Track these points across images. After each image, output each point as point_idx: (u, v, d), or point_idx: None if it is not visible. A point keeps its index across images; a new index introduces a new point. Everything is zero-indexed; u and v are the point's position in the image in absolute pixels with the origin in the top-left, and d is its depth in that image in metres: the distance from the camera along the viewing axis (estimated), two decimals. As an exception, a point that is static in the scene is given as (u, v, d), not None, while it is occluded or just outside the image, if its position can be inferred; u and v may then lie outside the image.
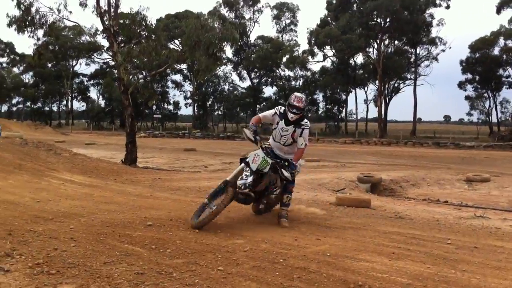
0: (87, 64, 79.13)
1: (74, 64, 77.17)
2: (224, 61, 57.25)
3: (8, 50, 78.06)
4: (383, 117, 58.89)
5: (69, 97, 79.20)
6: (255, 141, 6.23)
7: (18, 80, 77.86)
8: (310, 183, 12.34)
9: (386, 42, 60.23)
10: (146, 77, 21.82)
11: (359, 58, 63.95)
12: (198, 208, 6.18)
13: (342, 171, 16.42)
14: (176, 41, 57.15)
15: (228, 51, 63.30)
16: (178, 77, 73.39)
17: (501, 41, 56.95)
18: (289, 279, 4.12)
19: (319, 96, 69.43)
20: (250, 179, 5.96)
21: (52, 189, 9.04)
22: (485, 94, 61.54)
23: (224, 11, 65.87)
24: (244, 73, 70.96)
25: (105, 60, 74.62)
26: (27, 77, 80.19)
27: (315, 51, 61.97)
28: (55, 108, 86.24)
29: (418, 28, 56.54)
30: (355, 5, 59.39)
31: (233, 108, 74.29)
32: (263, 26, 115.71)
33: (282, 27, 68.97)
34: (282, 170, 6.19)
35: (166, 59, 19.39)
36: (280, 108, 6.60)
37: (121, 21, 19.01)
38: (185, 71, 68.97)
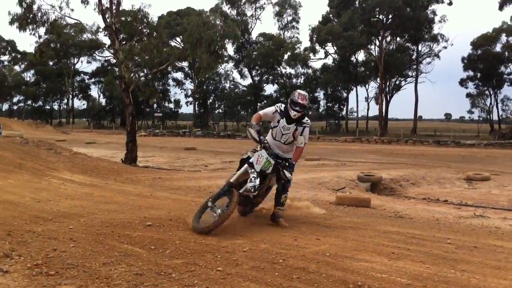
0: (88, 62, 79.16)
1: (75, 62, 77.44)
2: (225, 59, 57.22)
3: (9, 48, 78.33)
4: (384, 115, 58.83)
5: (70, 96, 79.43)
6: (260, 141, 6.13)
7: (19, 78, 78.00)
8: (310, 182, 12.34)
9: (388, 39, 60.29)
10: (147, 75, 21.77)
11: (361, 55, 64.09)
12: (199, 210, 6.01)
13: (342, 170, 16.42)
14: (178, 39, 57.19)
15: (230, 49, 63.19)
16: (179, 75, 73.50)
17: (503, 38, 57.03)
18: (289, 280, 4.12)
19: (320, 94, 69.47)
20: (258, 181, 5.91)
21: (52, 188, 9.05)
22: (486, 92, 61.55)
23: (225, 8, 65.98)
24: (245, 70, 70.99)
25: (107, 58, 74.74)
26: (28, 75, 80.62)
27: (317, 49, 62.08)
28: (56, 107, 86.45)
29: (420, 24, 56.51)
30: (357, 2, 59.29)
31: (234, 106, 74.30)
32: (264, 23, 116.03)
33: (283, 24, 69.09)
34: (284, 171, 6.15)
35: (167, 57, 19.39)
36: (281, 105, 6.47)
37: (123, 18, 18.99)
38: (186, 69, 69.01)
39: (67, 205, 7.29)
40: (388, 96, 61.69)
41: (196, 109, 72.59)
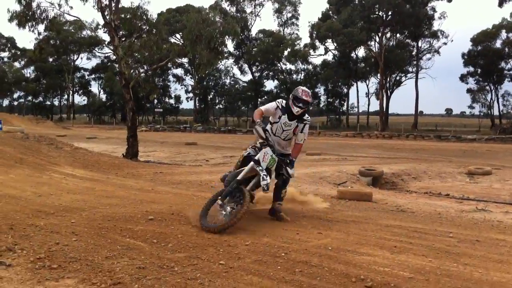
0: (88, 59, 79.15)
1: (75, 59, 77.38)
2: (225, 55, 57.13)
3: (9, 45, 78.28)
4: (384, 110, 58.76)
5: (70, 91, 79.41)
6: (266, 138, 6.09)
7: (19, 75, 78.09)
8: (312, 177, 12.33)
9: (388, 35, 60.10)
10: (147, 71, 21.77)
11: (361, 52, 63.98)
12: (205, 207, 5.86)
13: (343, 164, 16.41)
14: (177, 35, 57.11)
15: (230, 45, 63.14)
16: (179, 71, 73.44)
17: (503, 34, 56.85)
18: (291, 273, 4.12)
19: (321, 90, 69.38)
20: (269, 178, 5.88)
21: (53, 183, 9.05)
22: (487, 87, 61.48)
23: (225, 5, 65.59)
24: (246, 66, 70.87)
25: (106, 55, 74.75)
26: (28, 72, 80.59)
27: (317, 45, 61.85)
28: (56, 103, 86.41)
29: (420, 21, 56.35)
30: (356, -1, 59.18)
31: (234, 102, 74.28)
32: (264, 20, 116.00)
33: (283, 20, 68.84)
34: (287, 168, 6.17)
35: (167, 53, 19.34)
36: (282, 101, 6.43)
37: (122, 15, 19.01)
38: (186, 65, 68.91)
39: (68, 199, 7.29)
40: (388, 91, 61.63)
41: (197, 104, 72.61)
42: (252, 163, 6.03)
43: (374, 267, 4.36)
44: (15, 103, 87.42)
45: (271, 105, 6.44)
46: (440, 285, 3.99)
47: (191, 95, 73.28)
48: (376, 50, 58.79)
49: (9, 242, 4.54)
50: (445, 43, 58.74)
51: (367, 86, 66.33)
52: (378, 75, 58.82)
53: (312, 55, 64.19)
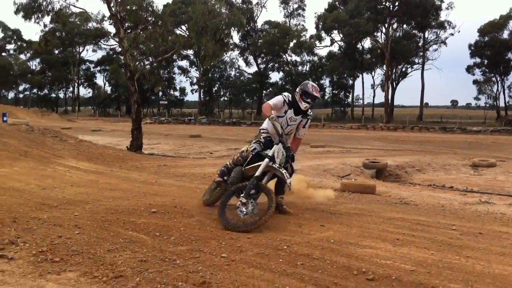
0: (93, 51, 79.38)
1: (80, 51, 77.45)
2: (231, 47, 57.04)
3: (15, 37, 78.34)
4: (390, 102, 58.61)
5: (76, 84, 79.56)
6: (281, 134, 6.05)
7: (25, 67, 78.25)
8: (315, 169, 12.32)
9: (395, 26, 59.91)
10: (152, 63, 21.78)
11: (367, 43, 63.86)
12: (223, 202, 5.66)
13: (347, 156, 16.38)
14: (183, 27, 56.89)
15: (235, 37, 63.13)
16: (184, 63, 73.38)
17: (511, 25, 56.61)
18: (293, 266, 4.12)
19: (326, 81, 69.32)
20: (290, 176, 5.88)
21: (57, 176, 9.08)
22: (493, 78, 61.21)
23: (231, -4, 65.44)
24: (251, 58, 70.84)
25: (112, 47, 74.83)
26: (34, 64, 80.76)
27: (323, 36, 61.78)
28: (61, 95, 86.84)
29: (427, 11, 56.04)
30: (363, -11, 58.85)
31: (239, 94, 74.26)
32: (270, 11, 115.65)
33: (289, 11, 68.70)
34: (292, 163, 6.20)
35: (172, 45, 19.30)
36: (288, 95, 6.33)
37: (128, 7, 18.92)
38: (192, 57, 68.88)
39: (72, 192, 7.32)
40: (394, 83, 61.44)
41: (202, 96, 72.58)
42: (267, 159, 5.86)
43: (376, 260, 4.36)
44: (21, 95, 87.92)
45: (279, 100, 6.31)
46: (442, 277, 3.98)
47: (196, 87, 73.37)
48: (383, 41, 58.58)
49: (12, 235, 4.56)
50: (452, 34, 58.62)
51: (373, 77, 66.32)
52: (384, 66, 58.59)
53: (318, 46, 64.20)
